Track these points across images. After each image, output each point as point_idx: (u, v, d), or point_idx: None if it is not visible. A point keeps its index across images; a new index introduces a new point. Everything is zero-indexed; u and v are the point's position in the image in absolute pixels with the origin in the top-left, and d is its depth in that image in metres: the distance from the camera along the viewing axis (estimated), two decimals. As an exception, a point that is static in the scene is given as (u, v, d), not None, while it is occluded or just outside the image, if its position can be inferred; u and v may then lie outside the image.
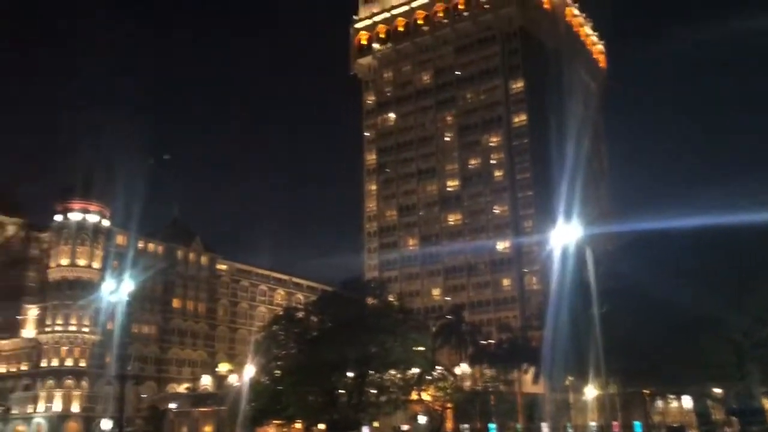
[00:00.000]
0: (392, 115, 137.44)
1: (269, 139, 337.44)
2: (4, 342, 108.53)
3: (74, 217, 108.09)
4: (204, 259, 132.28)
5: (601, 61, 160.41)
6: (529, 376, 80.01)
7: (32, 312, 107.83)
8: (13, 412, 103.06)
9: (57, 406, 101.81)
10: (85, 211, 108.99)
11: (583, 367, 46.98)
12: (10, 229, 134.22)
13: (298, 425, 71.54)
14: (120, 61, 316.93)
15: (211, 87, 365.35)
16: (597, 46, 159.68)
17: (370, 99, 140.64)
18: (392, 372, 63.63)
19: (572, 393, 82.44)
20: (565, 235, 27.80)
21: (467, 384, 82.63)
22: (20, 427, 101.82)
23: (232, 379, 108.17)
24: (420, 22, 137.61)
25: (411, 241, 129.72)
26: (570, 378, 74.26)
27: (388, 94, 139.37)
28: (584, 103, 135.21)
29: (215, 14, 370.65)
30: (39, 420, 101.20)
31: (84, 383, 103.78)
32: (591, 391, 74.39)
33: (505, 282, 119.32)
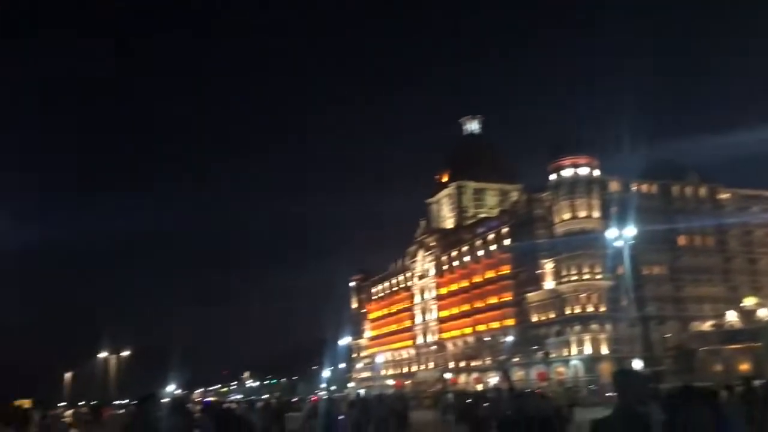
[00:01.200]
0: None
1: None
2: (531, 295, 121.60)
3: (566, 173, 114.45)
4: (702, 191, 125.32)
5: None
6: None
7: (548, 266, 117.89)
8: (551, 355, 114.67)
9: (587, 349, 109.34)
10: (576, 165, 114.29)
11: None
12: (513, 195, 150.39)
13: None
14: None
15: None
16: None
17: None
18: None
19: None
20: None
21: None
22: (560, 368, 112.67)
23: (762, 314, 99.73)
24: None
25: None
26: None
27: None
28: None
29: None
30: (574, 362, 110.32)
31: (607, 326, 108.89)
32: None
33: None
